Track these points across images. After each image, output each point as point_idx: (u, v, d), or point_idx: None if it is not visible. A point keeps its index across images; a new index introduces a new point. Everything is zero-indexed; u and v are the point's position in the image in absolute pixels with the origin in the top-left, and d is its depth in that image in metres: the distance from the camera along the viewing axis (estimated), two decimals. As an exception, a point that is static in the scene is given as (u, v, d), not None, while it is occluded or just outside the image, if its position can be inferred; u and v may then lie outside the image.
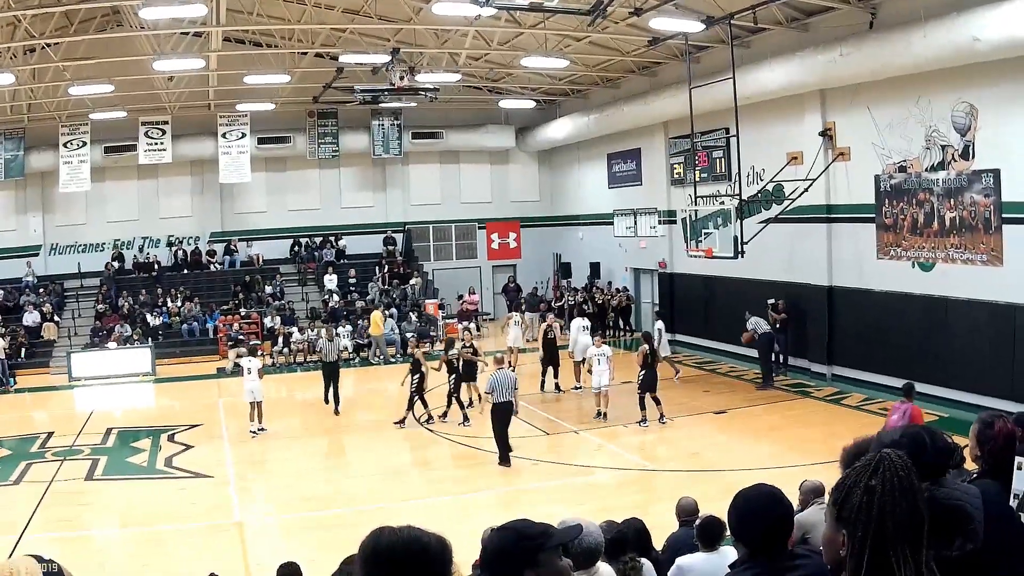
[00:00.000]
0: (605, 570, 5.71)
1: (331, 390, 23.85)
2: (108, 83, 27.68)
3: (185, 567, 13.17)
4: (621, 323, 35.37)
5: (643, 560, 7.04)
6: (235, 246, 38.27)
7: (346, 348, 30.69)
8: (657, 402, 21.02)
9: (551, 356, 25.52)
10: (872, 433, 4.15)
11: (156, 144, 34.93)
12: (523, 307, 34.33)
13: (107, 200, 37.04)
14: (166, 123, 34.90)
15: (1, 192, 35.74)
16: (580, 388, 24.85)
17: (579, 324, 26.23)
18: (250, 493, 17.23)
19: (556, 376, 25.57)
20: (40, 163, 34.89)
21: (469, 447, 19.21)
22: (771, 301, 25.90)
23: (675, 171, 32.26)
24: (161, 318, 34.01)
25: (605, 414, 21.40)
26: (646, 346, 21.32)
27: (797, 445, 18.25)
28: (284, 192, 39.30)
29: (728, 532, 7.80)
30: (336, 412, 23.54)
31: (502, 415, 18.22)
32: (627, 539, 7.08)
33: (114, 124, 33.80)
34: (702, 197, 27.17)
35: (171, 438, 21.33)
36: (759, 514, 3.66)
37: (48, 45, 25.54)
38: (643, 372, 21.04)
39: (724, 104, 23.55)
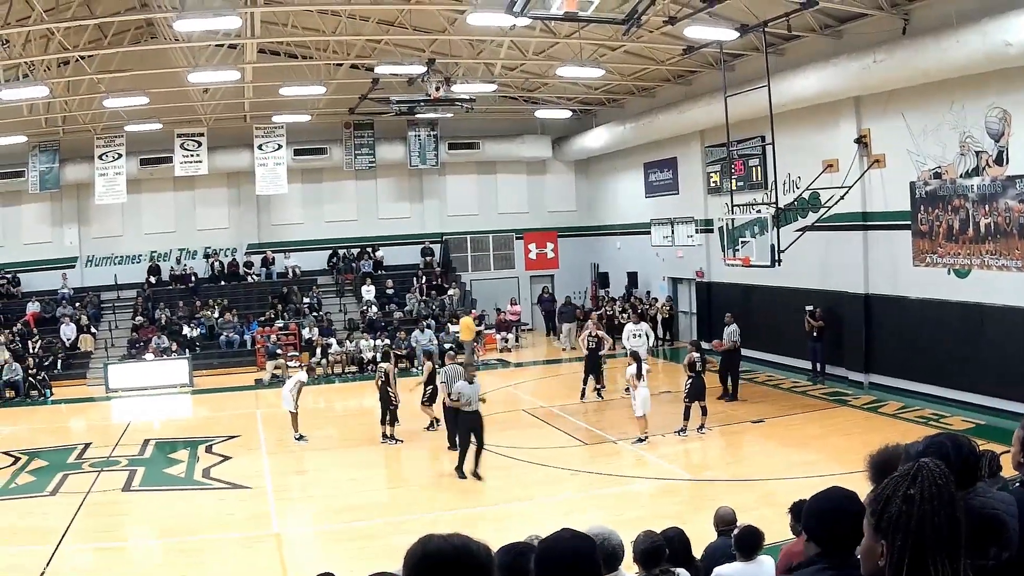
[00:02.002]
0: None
1: (470, 449, 18.03)
2: (143, 95, 27.85)
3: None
4: (664, 333, 35.07)
5: (679, 570, 6.98)
6: (271, 258, 38.45)
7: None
8: (704, 411, 20.73)
9: (593, 364, 25.33)
10: (906, 440, 4.08)
11: (192, 156, 35.24)
12: (559, 317, 34.15)
13: (143, 212, 37.39)
14: (202, 135, 35.22)
15: (37, 204, 36.17)
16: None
17: (630, 330, 25.81)
18: (288, 504, 17.20)
19: (599, 383, 25.36)
20: (75, 175, 35.34)
21: (504, 456, 19.16)
22: (808, 308, 25.84)
23: (711, 180, 32.22)
24: (199, 329, 34.16)
25: (639, 437, 20.27)
26: (694, 353, 20.97)
27: (835, 454, 18.02)
28: (321, 203, 39.45)
29: (765, 541, 7.85)
30: (477, 476, 17.88)
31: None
32: (662, 549, 7.01)
33: (149, 136, 34.12)
34: (739, 205, 27.14)
35: (209, 449, 21.40)
36: (840, 511, 3.68)
37: (82, 58, 25.83)
38: (691, 380, 20.74)
39: (759, 112, 23.55)
